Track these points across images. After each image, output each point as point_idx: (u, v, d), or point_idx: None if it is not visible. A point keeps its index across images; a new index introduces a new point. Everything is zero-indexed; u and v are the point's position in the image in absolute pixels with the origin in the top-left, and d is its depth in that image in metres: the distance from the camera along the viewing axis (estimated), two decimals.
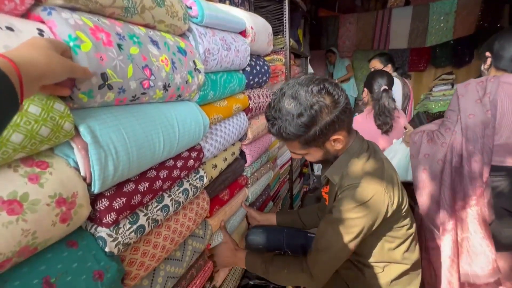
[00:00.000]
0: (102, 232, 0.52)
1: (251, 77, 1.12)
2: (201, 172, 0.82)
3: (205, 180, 0.83)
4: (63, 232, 0.45)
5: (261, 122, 1.30)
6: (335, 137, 0.72)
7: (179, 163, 0.70)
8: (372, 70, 2.12)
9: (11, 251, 0.37)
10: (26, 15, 0.42)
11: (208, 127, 0.78)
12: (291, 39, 1.96)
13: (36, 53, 0.33)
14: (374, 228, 0.72)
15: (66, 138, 0.44)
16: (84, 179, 0.48)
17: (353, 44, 4.16)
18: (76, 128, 0.45)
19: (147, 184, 0.60)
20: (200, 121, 0.74)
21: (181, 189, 0.73)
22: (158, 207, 0.64)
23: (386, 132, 1.62)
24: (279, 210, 1.23)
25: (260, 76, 1.21)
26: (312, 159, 0.80)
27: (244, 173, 1.21)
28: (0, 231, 0.36)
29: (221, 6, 1.04)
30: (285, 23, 1.89)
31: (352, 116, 0.76)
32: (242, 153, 1.20)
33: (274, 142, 1.68)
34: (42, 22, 0.42)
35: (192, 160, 0.75)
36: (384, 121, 1.60)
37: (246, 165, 1.20)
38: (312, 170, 3.33)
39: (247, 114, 1.15)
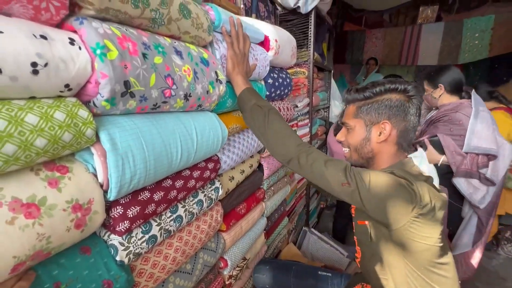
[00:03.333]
0: (115, 240, 0.51)
1: (272, 90, 1.11)
2: (217, 184, 0.81)
3: (221, 192, 0.81)
4: (77, 238, 0.45)
5: None
6: (386, 122, 0.71)
7: (195, 174, 0.69)
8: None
9: (25, 254, 0.37)
10: (60, 25, 0.44)
11: (226, 138, 0.77)
12: (315, 53, 1.95)
13: None
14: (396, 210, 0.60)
15: (87, 144, 0.45)
16: (102, 185, 0.48)
17: (379, 59, 4.07)
18: (97, 134, 0.46)
19: (162, 193, 0.59)
20: (218, 131, 0.73)
21: (196, 200, 0.71)
22: (172, 218, 0.63)
23: None
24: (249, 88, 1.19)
25: (282, 88, 1.20)
26: (352, 141, 0.77)
27: (261, 187, 1.19)
28: (16, 234, 0.36)
29: (246, 18, 1.05)
30: (310, 37, 1.88)
31: (411, 136, 0.73)
32: (259, 166, 1.18)
33: None
34: (74, 31, 0.44)
35: (208, 171, 0.74)
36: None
37: (263, 178, 1.18)
38: None
39: None
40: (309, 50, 1.89)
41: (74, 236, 0.44)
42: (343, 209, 2.10)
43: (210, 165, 0.75)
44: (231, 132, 0.86)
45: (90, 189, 0.45)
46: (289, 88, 1.29)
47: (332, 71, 2.66)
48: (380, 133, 0.72)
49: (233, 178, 0.93)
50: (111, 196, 0.48)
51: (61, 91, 0.42)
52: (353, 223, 0.82)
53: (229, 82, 0.84)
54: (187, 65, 0.61)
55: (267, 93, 1.08)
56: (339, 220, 2.15)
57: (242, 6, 1.50)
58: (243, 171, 0.99)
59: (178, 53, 0.60)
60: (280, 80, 1.18)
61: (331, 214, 2.63)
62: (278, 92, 1.18)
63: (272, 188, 1.28)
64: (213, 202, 0.79)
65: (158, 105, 0.56)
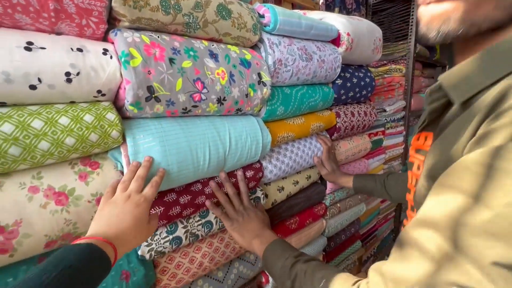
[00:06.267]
0: None
1: (342, 91, 0.96)
2: (258, 193, 0.75)
3: (262, 202, 0.75)
4: None
5: (353, 144, 1.09)
6: None
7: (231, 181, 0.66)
8: None
9: (55, 235, 0.44)
10: (106, 38, 0.51)
11: (268, 146, 0.70)
12: (417, 45, 1.58)
13: (134, 236, 0.43)
14: None
15: (114, 144, 0.49)
16: None
17: None
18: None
19: (189, 197, 0.59)
20: (258, 137, 0.68)
21: None
22: (200, 222, 0.63)
23: None
24: (357, 174, 0.93)
25: (357, 90, 1.02)
26: None
27: (323, 201, 1.05)
28: (47, 217, 0.43)
29: (313, 13, 0.95)
30: (411, 25, 1.54)
31: None
32: (322, 178, 1.04)
33: (377, 169, 1.38)
34: (113, 42, 0.49)
35: (246, 180, 0.70)
36: None
37: (325, 192, 1.03)
38: None
39: (332, 134, 0.98)
40: (410, 42, 1.55)
41: None
42: None
43: (249, 173, 0.71)
44: (282, 141, 0.78)
45: None
46: (369, 89, 1.08)
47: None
48: None
49: (282, 188, 0.85)
50: None
51: (94, 96, 0.47)
52: None
53: (281, 87, 0.77)
54: (221, 68, 0.59)
55: (335, 95, 0.94)
56: None
57: (322, 0, 1.38)
58: (297, 182, 0.90)
59: (213, 56, 0.58)
60: (355, 80, 1.00)
61: None
62: (351, 94, 1.00)
63: (338, 204, 1.11)
64: None
65: (188, 109, 0.56)
